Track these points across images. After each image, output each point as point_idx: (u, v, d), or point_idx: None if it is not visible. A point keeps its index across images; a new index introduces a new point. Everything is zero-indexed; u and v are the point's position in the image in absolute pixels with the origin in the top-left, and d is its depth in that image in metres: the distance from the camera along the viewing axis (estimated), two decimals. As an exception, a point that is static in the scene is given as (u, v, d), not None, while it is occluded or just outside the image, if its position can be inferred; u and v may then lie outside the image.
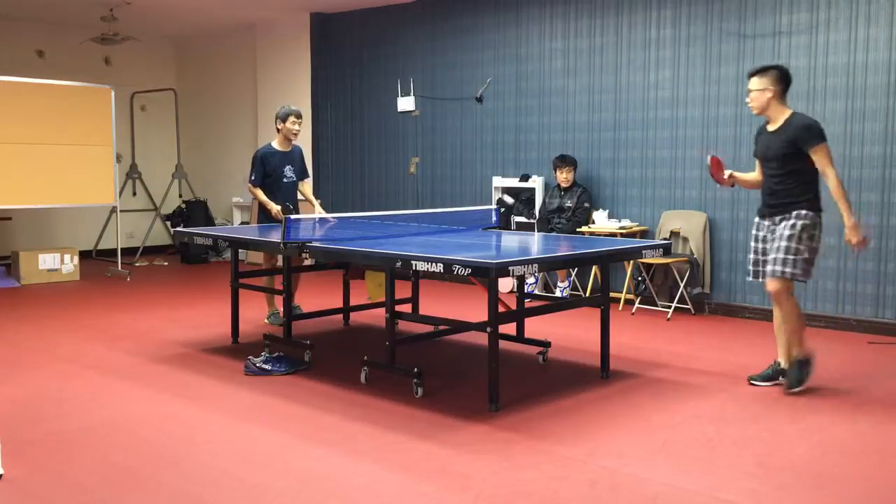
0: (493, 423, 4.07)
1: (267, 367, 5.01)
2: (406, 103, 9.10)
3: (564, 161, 7.50)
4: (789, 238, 4.51)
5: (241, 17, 10.12)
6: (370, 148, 9.60)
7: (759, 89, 4.57)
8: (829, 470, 3.49)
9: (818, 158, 4.48)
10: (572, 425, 4.03)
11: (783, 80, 4.57)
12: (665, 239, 6.94)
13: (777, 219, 4.61)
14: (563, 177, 7.51)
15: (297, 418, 4.19)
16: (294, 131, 6.52)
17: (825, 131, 4.53)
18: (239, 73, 11.06)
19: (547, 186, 7.92)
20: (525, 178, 8.08)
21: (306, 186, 6.82)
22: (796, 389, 4.58)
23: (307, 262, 5.53)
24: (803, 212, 4.53)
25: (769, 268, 4.58)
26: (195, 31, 11.26)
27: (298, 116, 6.53)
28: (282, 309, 5.89)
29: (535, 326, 5.75)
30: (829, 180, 4.46)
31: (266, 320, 6.53)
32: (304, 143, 10.02)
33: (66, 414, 4.28)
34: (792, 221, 4.53)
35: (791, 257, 4.50)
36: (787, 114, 4.58)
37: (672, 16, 7.08)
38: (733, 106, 6.78)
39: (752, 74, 4.63)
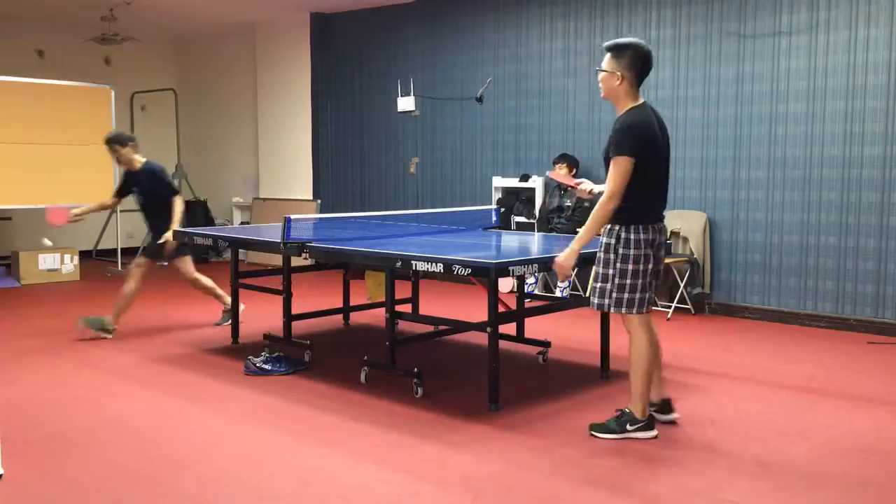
0: (493, 423, 4.07)
1: (267, 367, 5.01)
2: (406, 103, 9.08)
3: (562, 159, 7.51)
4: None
5: (241, 17, 10.12)
6: (370, 148, 9.60)
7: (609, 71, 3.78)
8: (829, 470, 3.49)
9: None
10: (572, 425, 4.02)
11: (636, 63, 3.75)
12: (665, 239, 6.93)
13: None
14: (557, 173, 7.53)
15: (297, 418, 4.19)
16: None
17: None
18: (239, 73, 11.06)
19: (547, 186, 7.92)
20: (525, 178, 8.08)
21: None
22: (599, 434, 3.87)
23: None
24: None
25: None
26: (195, 31, 11.25)
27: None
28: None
29: (535, 326, 5.74)
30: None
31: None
32: (305, 142, 10.06)
33: (66, 414, 4.27)
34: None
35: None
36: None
37: (672, 16, 7.08)
38: (733, 106, 6.78)
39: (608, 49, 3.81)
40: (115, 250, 9.72)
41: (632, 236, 3.74)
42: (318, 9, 9.63)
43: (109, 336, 6.01)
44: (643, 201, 3.75)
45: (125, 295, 6.09)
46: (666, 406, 4.07)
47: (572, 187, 4.26)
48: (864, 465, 3.56)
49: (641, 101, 3.80)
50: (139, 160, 6.28)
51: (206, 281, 6.44)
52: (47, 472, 3.48)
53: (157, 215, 6.22)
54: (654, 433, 3.85)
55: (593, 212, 3.74)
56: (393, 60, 9.22)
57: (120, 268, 9.39)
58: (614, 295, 3.78)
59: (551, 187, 7.75)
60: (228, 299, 6.24)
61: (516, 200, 8.16)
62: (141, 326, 6.47)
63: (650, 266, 3.80)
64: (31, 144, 8.59)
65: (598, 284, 3.86)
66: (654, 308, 4.20)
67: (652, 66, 3.81)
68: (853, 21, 6.19)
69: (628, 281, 3.76)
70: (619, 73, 3.74)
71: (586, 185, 4.26)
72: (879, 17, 6.08)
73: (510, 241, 5.56)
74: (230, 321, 6.03)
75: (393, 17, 9.18)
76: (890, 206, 6.11)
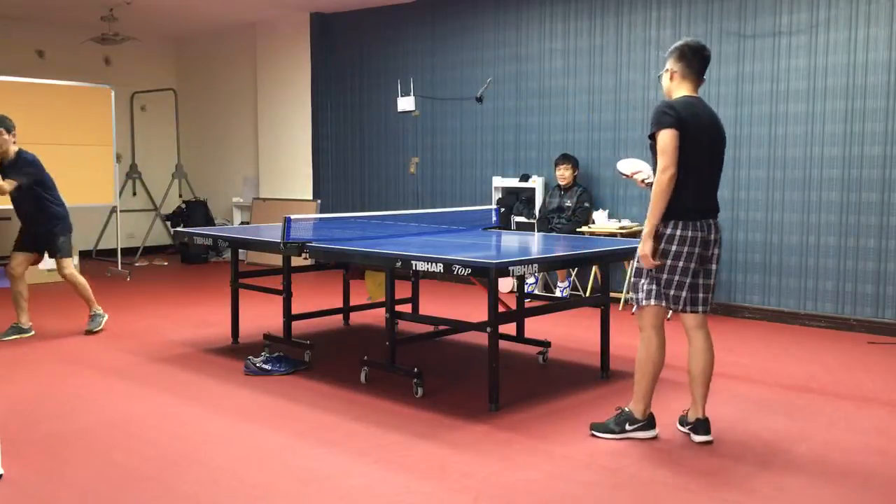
0: (493, 423, 4.07)
1: (267, 367, 5.01)
2: (406, 103, 9.09)
3: (565, 159, 7.51)
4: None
5: (241, 17, 10.12)
6: (370, 148, 9.60)
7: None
8: (829, 470, 3.49)
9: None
10: (572, 425, 4.02)
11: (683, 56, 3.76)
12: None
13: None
14: (560, 174, 7.52)
15: (297, 418, 4.19)
16: None
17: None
18: (239, 73, 11.06)
19: (547, 186, 7.93)
20: (525, 178, 8.08)
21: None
22: (599, 434, 3.87)
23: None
24: None
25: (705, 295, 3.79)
26: (195, 31, 11.25)
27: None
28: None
29: (535, 326, 5.75)
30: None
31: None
32: (305, 142, 10.04)
33: (66, 414, 4.28)
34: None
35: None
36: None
37: (672, 16, 7.08)
38: (733, 106, 6.78)
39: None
40: (115, 250, 9.72)
41: (668, 231, 3.65)
42: (318, 9, 9.64)
43: (104, 317, 6.22)
44: (684, 195, 3.60)
45: (79, 285, 6.16)
46: (700, 426, 3.79)
47: (627, 177, 4.21)
48: (864, 465, 3.56)
49: (695, 94, 3.77)
50: (14, 149, 6.03)
51: (21, 284, 6.07)
52: (47, 472, 3.48)
53: (28, 207, 6.02)
54: (653, 433, 3.84)
55: (652, 190, 3.63)
56: (393, 60, 9.22)
57: (120, 268, 9.39)
58: (646, 287, 3.72)
59: (551, 187, 7.76)
60: (25, 317, 6.07)
61: (516, 200, 8.16)
62: (141, 326, 6.47)
63: (690, 264, 3.65)
64: (31, 145, 8.54)
65: (633, 279, 3.82)
66: (705, 312, 3.83)
67: (704, 58, 3.75)
68: (853, 21, 6.19)
69: (664, 276, 3.67)
70: (669, 69, 3.81)
71: (641, 174, 4.13)
72: (879, 16, 6.08)
73: (510, 241, 5.56)
74: (13, 336, 5.98)
75: (393, 17, 9.18)
76: (890, 206, 6.11)
